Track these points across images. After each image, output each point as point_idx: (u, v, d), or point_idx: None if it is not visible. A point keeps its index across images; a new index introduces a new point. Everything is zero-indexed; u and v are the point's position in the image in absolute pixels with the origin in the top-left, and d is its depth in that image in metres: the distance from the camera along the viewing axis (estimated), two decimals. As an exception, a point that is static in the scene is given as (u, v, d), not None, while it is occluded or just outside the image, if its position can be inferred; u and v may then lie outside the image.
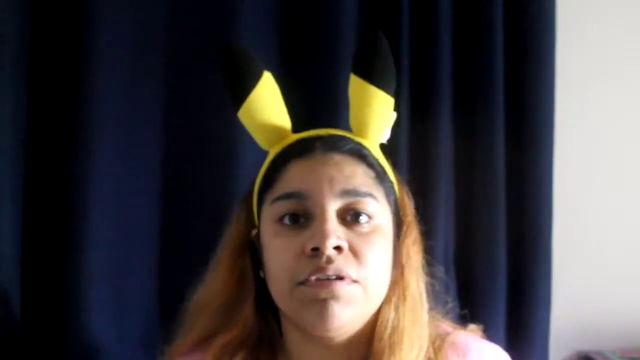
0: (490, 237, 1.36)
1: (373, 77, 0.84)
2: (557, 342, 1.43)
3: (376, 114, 0.85)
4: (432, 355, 0.84)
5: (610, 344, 1.46)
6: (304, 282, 0.78)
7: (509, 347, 1.34)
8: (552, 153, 1.39)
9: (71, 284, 1.17)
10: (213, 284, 0.89)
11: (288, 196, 0.80)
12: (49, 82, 1.20)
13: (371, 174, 0.84)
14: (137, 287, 1.24)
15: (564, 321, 1.44)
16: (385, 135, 0.89)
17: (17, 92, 1.17)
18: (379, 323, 0.82)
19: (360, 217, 0.80)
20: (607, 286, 1.49)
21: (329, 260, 0.77)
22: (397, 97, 0.88)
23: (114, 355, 1.20)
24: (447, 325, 0.89)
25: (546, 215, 1.38)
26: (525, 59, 1.38)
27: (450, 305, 0.94)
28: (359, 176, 0.82)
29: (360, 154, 0.84)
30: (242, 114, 0.86)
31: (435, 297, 0.89)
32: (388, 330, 0.81)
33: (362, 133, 0.86)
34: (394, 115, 0.89)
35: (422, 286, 0.86)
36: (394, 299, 0.83)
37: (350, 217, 0.80)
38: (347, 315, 0.78)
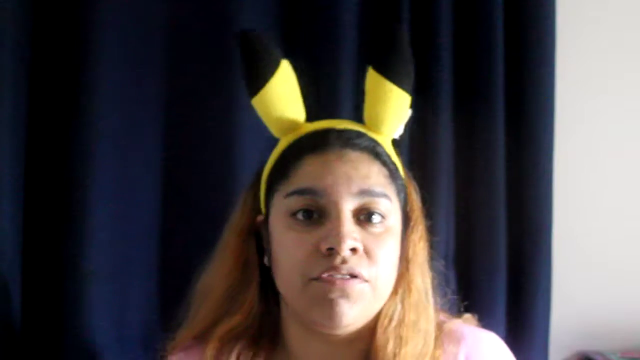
0: (490, 237, 1.36)
1: (391, 73, 0.83)
2: (557, 342, 1.43)
3: (392, 110, 0.85)
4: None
5: (611, 344, 1.46)
6: (316, 278, 0.78)
7: (509, 347, 1.35)
8: (552, 153, 1.39)
9: (71, 283, 1.17)
10: (218, 269, 0.89)
11: (303, 192, 0.80)
12: (49, 82, 1.20)
13: (385, 172, 0.83)
14: (137, 287, 1.24)
15: (564, 321, 1.44)
16: (398, 132, 0.89)
17: (17, 92, 1.17)
18: (382, 316, 0.82)
19: (373, 217, 0.80)
20: (607, 286, 1.48)
21: (344, 261, 0.77)
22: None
23: (114, 355, 1.20)
24: (442, 315, 0.90)
25: (546, 215, 1.38)
26: (525, 59, 1.38)
27: (448, 297, 0.94)
28: (374, 175, 0.82)
29: (375, 152, 0.84)
30: (257, 102, 0.85)
31: (433, 289, 0.90)
32: (394, 323, 0.82)
33: (375, 128, 0.86)
34: (409, 113, 0.88)
35: (428, 281, 0.87)
36: (399, 293, 0.84)
37: (363, 216, 0.80)
38: (355, 313, 0.79)
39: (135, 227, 1.24)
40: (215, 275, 0.89)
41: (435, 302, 0.88)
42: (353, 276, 0.78)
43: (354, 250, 0.78)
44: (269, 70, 0.83)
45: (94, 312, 1.18)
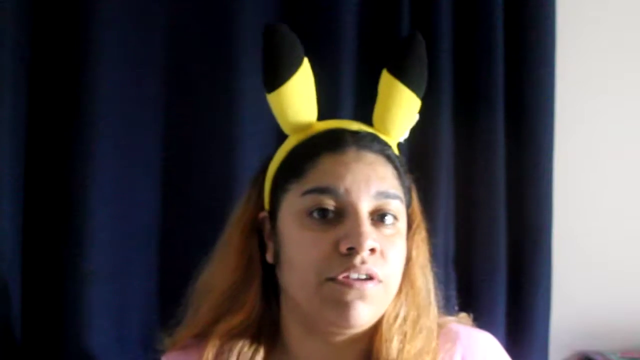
0: (490, 237, 1.36)
1: (406, 77, 0.85)
2: (557, 342, 1.43)
3: (403, 113, 0.86)
4: None
5: (611, 344, 1.46)
6: (333, 279, 0.78)
7: (509, 347, 1.35)
8: (552, 153, 1.39)
9: (71, 283, 1.17)
10: (221, 266, 0.89)
11: (322, 191, 0.80)
12: (49, 82, 1.20)
13: (396, 174, 0.85)
14: (137, 288, 1.24)
15: (564, 321, 1.44)
16: (404, 136, 0.90)
17: (17, 92, 1.17)
18: (387, 314, 0.83)
19: (386, 218, 0.81)
20: (607, 286, 1.48)
21: (363, 261, 0.78)
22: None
23: (113, 356, 1.20)
24: (440, 315, 0.90)
25: (546, 215, 1.38)
26: (525, 59, 1.38)
27: (444, 296, 0.94)
28: (389, 177, 0.83)
29: (387, 155, 0.85)
30: (273, 98, 0.84)
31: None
32: (399, 321, 0.83)
33: (385, 130, 0.87)
34: (416, 117, 0.89)
35: (430, 280, 0.88)
36: (403, 292, 0.85)
37: (377, 217, 0.81)
38: (370, 314, 0.80)
39: (135, 227, 1.24)
40: (217, 273, 0.89)
41: (437, 302, 0.89)
42: (370, 277, 0.78)
43: (372, 250, 0.78)
44: (291, 69, 0.82)
45: (94, 312, 1.18)
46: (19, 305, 1.17)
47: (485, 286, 1.35)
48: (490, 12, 1.36)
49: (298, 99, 0.84)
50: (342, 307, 0.78)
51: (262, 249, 0.87)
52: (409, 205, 0.87)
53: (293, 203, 0.82)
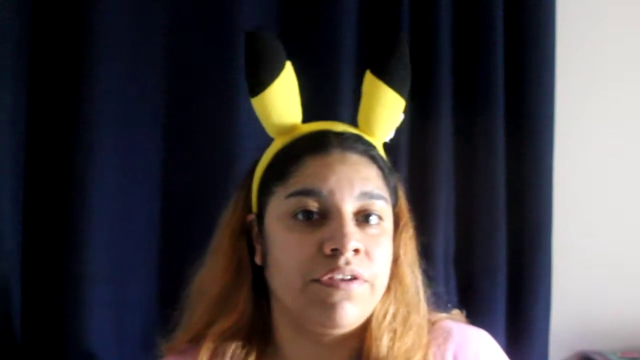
0: (490, 237, 1.36)
1: (389, 78, 0.85)
2: (557, 342, 1.43)
3: (387, 114, 0.86)
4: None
5: (611, 344, 1.46)
6: (317, 280, 0.79)
7: (509, 347, 1.35)
8: (552, 153, 1.39)
9: (71, 284, 1.17)
10: (212, 270, 0.89)
11: (306, 193, 0.80)
12: (49, 82, 1.20)
13: (381, 175, 0.85)
14: (137, 288, 1.24)
15: (564, 321, 1.44)
16: (389, 136, 0.90)
17: (17, 91, 1.17)
18: (377, 312, 0.84)
19: (371, 218, 0.81)
20: (607, 286, 1.49)
21: (347, 262, 0.78)
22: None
23: (113, 356, 1.20)
24: (431, 313, 0.91)
25: (546, 215, 1.38)
26: (525, 59, 1.38)
27: (440, 294, 0.95)
28: (373, 178, 0.83)
29: (371, 155, 0.85)
30: (257, 102, 0.85)
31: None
32: (388, 318, 0.84)
33: (370, 131, 0.87)
34: (401, 117, 0.89)
35: (418, 278, 0.89)
36: (392, 290, 0.85)
37: (361, 217, 0.81)
38: (357, 314, 0.80)
39: (135, 227, 1.24)
40: (209, 276, 0.89)
41: (426, 299, 0.89)
42: (354, 277, 0.79)
43: (356, 251, 0.79)
44: (273, 73, 0.83)
45: (94, 313, 1.18)
46: (19, 305, 1.18)
47: (485, 286, 1.36)
48: (490, 12, 1.36)
49: (282, 102, 0.85)
50: (328, 308, 0.78)
51: (252, 251, 0.88)
52: (395, 205, 0.88)
53: (278, 205, 0.82)
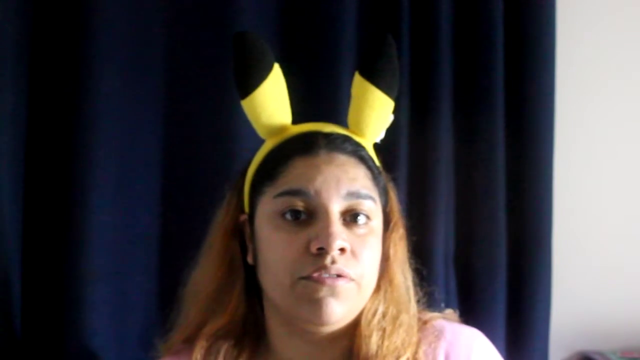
0: (490, 237, 1.36)
1: (377, 79, 0.86)
2: (557, 342, 1.43)
3: (376, 115, 0.87)
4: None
5: (611, 344, 1.46)
6: (305, 277, 0.80)
7: (509, 347, 1.35)
8: (552, 153, 1.39)
9: (71, 284, 1.17)
10: (205, 270, 0.90)
11: (294, 193, 0.82)
12: (49, 82, 1.20)
13: (369, 175, 0.86)
14: (137, 288, 1.24)
15: (564, 321, 1.44)
16: (380, 136, 0.91)
17: (18, 92, 1.17)
18: (366, 311, 0.85)
19: (359, 218, 0.83)
20: (607, 286, 1.49)
21: (333, 261, 0.79)
22: (397, 99, 0.89)
23: (113, 355, 1.20)
24: (423, 312, 0.92)
25: (546, 215, 1.38)
26: (525, 60, 1.38)
27: (425, 293, 0.95)
28: (360, 178, 0.84)
29: (360, 156, 0.86)
30: (247, 103, 0.86)
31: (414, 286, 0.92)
32: (377, 317, 0.85)
33: (359, 131, 0.88)
34: (391, 118, 0.90)
35: (409, 277, 0.90)
36: (382, 290, 0.86)
37: (349, 217, 0.83)
38: (342, 311, 0.81)
39: (135, 227, 1.24)
40: (203, 276, 0.91)
41: (417, 298, 0.91)
42: (340, 276, 0.80)
43: (342, 250, 0.80)
44: (262, 74, 0.85)
45: (94, 312, 1.18)
46: (19, 304, 1.18)
47: (485, 286, 1.35)
48: (491, 11, 1.36)
49: (271, 103, 0.86)
50: (314, 304, 0.79)
51: (244, 251, 0.89)
52: (385, 205, 0.88)
53: (268, 205, 0.84)
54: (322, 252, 0.79)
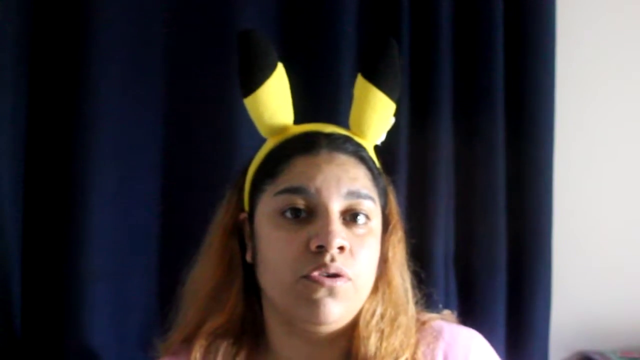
0: (490, 237, 1.36)
1: (379, 81, 0.86)
2: (557, 342, 1.43)
3: (377, 116, 0.88)
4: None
5: (611, 344, 1.46)
6: (305, 276, 0.80)
7: (509, 347, 1.35)
8: (552, 153, 1.39)
9: (71, 284, 1.18)
10: (204, 268, 0.91)
11: (294, 191, 0.82)
12: (49, 82, 1.20)
13: (369, 175, 0.86)
14: (137, 287, 1.24)
15: (564, 321, 1.44)
16: (380, 138, 0.91)
17: (17, 92, 1.17)
18: (365, 312, 0.85)
19: (358, 218, 0.83)
20: (607, 286, 1.49)
21: (332, 259, 0.79)
22: (398, 102, 0.90)
23: (113, 355, 1.20)
24: (421, 313, 0.92)
25: (546, 215, 1.38)
26: (525, 58, 1.38)
27: (424, 294, 0.95)
28: (361, 178, 0.84)
29: (361, 156, 0.86)
30: (250, 102, 0.87)
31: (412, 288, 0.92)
32: (375, 318, 0.85)
33: (360, 133, 0.89)
34: (392, 120, 0.90)
35: (407, 279, 0.90)
36: (380, 291, 0.87)
37: (349, 216, 0.83)
38: (340, 311, 0.81)
39: (135, 227, 1.24)
40: (202, 275, 0.91)
41: (415, 300, 0.91)
42: (338, 275, 0.80)
43: (341, 248, 0.80)
44: (266, 73, 0.85)
45: (94, 312, 1.18)
46: (19, 304, 1.18)
47: (485, 286, 1.36)
48: (491, 12, 1.36)
49: (273, 102, 0.86)
50: (311, 304, 0.80)
51: (244, 250, 0.89)
52: (385, 206, 0.89)
53: (267, 203, 0.84)
54: (322, 250, 0.79)
